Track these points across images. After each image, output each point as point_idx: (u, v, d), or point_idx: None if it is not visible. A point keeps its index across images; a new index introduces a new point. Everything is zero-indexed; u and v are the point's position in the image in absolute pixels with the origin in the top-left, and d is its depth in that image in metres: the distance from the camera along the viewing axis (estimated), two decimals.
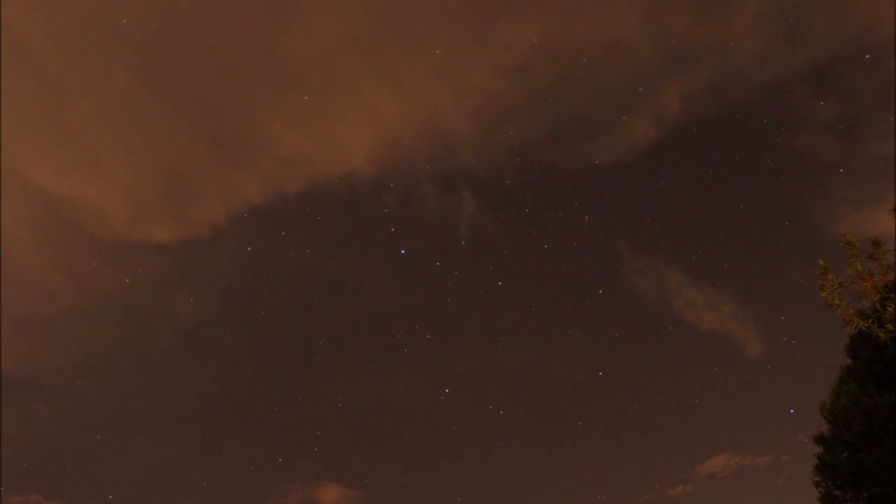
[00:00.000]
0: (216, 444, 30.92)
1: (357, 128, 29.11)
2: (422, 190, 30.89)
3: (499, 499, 30.40)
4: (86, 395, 29.49)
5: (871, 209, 28.53)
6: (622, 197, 31.71)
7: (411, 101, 28.81)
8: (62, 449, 28.78)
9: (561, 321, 32.79)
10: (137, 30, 25.35)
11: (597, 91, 29.17)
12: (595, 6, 27.59)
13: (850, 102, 28.77)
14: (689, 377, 31.38)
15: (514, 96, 28.75)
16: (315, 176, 29.27)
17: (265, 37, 26.85)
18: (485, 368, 32.71)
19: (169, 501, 29.59)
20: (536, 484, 30.27)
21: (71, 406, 29.29)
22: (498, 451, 31.02)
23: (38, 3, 23.80)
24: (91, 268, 28.55)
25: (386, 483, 30.20)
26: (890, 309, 9.44)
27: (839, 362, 10.35)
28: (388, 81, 28.51)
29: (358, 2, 26.73)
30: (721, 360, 30.94)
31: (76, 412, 29.43)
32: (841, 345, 10.94)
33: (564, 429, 31.45)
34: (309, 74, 27.91)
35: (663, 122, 29.37)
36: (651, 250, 32.27)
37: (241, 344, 31.77)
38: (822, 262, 10.04)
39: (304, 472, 29.65)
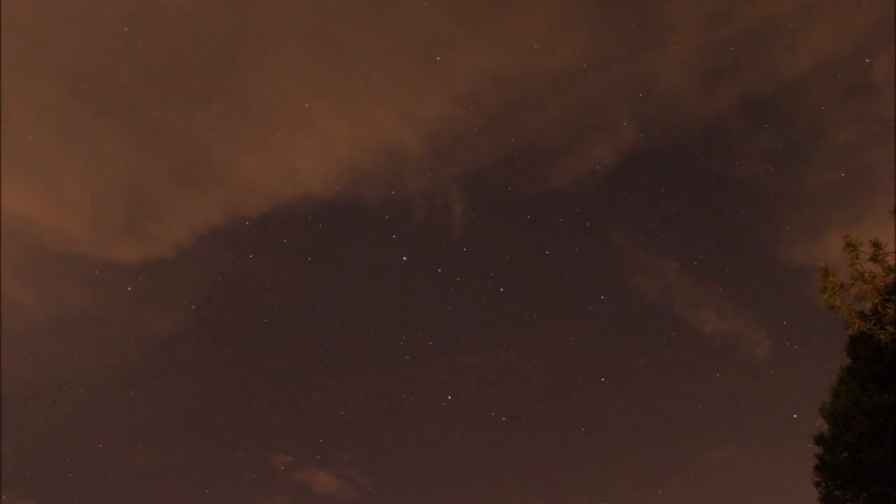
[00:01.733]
0: (216, 452, 30.96)
1: (315, 151, 29.85)
2: (423, 198, 31.18)
3: None
4: (64, 406, 29.68)
5: (817, 235, 29.99)
6: (624, 203, 31.85)
7: (367, 129, 29.50)
8: (42, 457, 28.95)
9: (563, 327, 32.86)
10: (100, 65, 26.14)
11: (547, 118, 29.90)
12: (541, 39, 28.63)
13: (784, 135, 29.99)
14: (692, 382, 31.42)
15: (468, 123, 29.54)
16: (275, 198, 29.98)
17: (223, 69, 27.68)
18: (487, 375, 32.77)
19: None
20: (539, 489, 30.29)
21: (51, 415, 29.45)
22: (500, 457, 31.04)
23: None
24: (59, 286, 29.12)
25: (389, 489, 30.22)
26: (890, 310, 9.51)
27: (840, 364, 10.42)
28: (343, 111, 29.41)
29: (312, 36, 27.63)
30: (724, 365, 31.00)
31: (56, 421, 29.57)
32: (843, 349, 10.99)
33: (567, 434, 31.48)
34: (266, 105, 28.84)
35: (621, 147, 30.07)
36: (653, 255, 32.36)
37: (240, 353, 31.97)
38: (822, 265, 10.13)
39: (307, 479, 29.70)
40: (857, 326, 9.59)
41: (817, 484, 9.83)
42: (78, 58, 25.98)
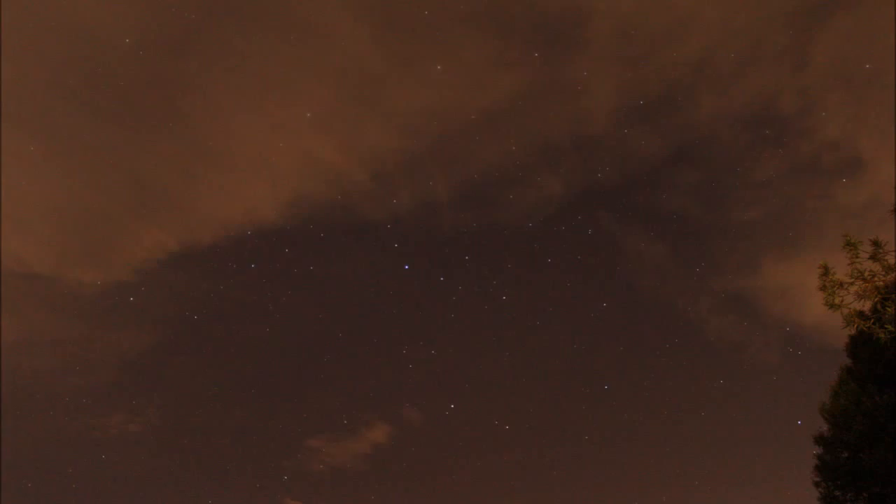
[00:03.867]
0: (220, 462, 30.91)
1: (264, 181, 31.08)
2: (422, 209, 31.47)
3: None
4: (39, 424, 29.79)
5: (753, 269, 30.73)
6: (626, 210, 31.92)
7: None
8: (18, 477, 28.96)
9: (566, 335, 32.78)
10: (49, 99, 26.94)
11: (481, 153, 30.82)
12: (468, 79, 29.64)
13: (708, 174, 31.00)
14: (696, 389, 31.23)
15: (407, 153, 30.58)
16: (228, 225, 30.87)
17: (168, 99, 28.62)
18: (490, 383, 32.69)
19: None
20: (543, 498, 30.07)
21: (27, 436, 29.54)
22: (504, 467, 30.90)
23: None
24: (23, 307, 29.30)
25: (393, 500, 30.08)
26: (890, 309, 9.46)
27: (839, 364, 10.36)
28: (289, 143, 30.29)
29: (251, 74, 28.71)
30: (727, 372, 30.83)
31: (33, 443, 29.64)
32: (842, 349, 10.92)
33: (571, 443, 31.32)
34: (217, 141, 29.87)
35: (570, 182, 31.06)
36: (654, 263, 32.33)
37: (240, 366, 32.05)
38: (823, 263, 10.08)
39: (311, 490, 29.62)
40: (856, 325, 9.53)
41: (817, 484, 9.75)
42: (26, 93, 27.06)
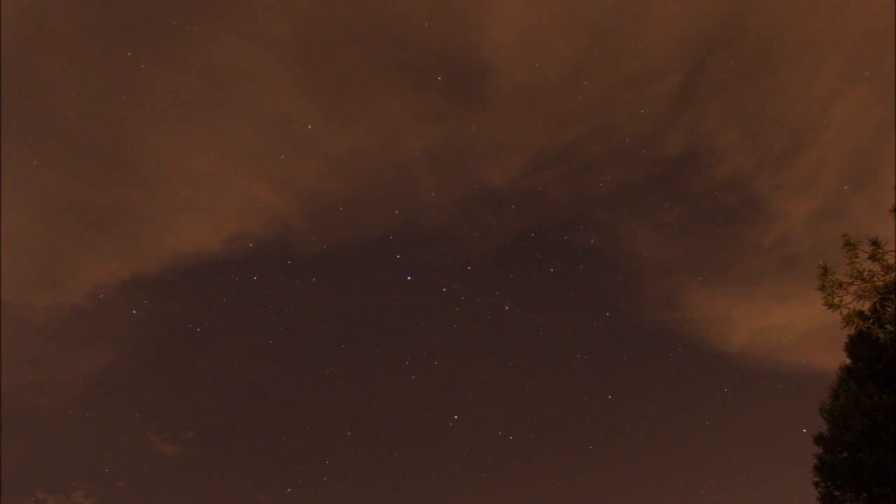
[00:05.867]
0: (213, 478, 30.83)
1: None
2: (423, 213, 31.73)
3: None
4: (20, 439, 29.94)
5: (675, 301, 31.76)
6: (625, 220, 32.05)
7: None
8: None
9: (569, 344, 32.74)
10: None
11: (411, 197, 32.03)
12: (391, 125, 31.03)
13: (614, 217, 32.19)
14: (699, 398, 31.11)
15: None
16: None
17: (111, 142, 29.62)
18: (493, 394, 32.65)
19: None
20: None
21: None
22: (508, 477, 30.78)
23: None
24: None
25: None
26: (890, 309, 9.45)
27: (839, 364, 10.35)
28: (224, 184, 31.45)
29: (188, 116, 29.96)
30: (730, 381, 30.71)
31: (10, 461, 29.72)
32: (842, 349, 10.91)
33: (575, 453, 31.20)
34: (154, 179, 30.92)
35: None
36: (657, 270, 32.35)
37: (245, 373, 32.18)
38: (822, 263, 10.10)
39: (313, 501, 29.53)
40: (855, 325, 9.52)
41: (816, 484, 9.72)
42: None
